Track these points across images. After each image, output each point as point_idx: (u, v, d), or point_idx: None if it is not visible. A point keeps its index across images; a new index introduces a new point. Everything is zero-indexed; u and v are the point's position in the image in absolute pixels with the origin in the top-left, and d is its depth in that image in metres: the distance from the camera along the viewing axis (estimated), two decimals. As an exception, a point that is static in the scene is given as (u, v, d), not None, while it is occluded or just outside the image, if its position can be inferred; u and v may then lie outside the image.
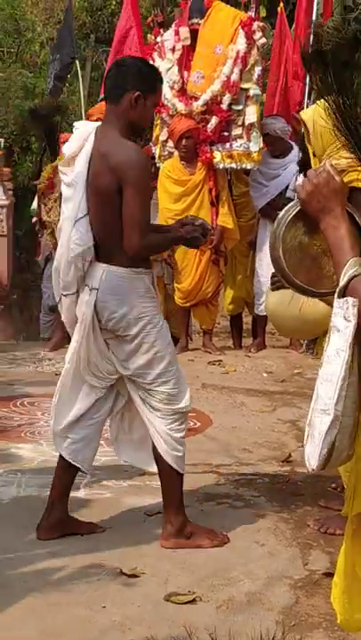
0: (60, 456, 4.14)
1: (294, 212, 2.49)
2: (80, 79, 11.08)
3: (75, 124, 4.16)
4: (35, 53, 17.34)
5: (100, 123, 4.07)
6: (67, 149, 4.03)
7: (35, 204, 9.64)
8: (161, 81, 4.17)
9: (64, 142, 8.89)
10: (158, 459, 4.07)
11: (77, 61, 10.51)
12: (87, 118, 8.39)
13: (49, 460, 5.09)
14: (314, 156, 4.39)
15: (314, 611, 3.45)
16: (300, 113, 4.52)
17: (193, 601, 3.50)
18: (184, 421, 4.10)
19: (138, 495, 4.59)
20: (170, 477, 4.07)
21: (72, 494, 4.34)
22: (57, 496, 4.13)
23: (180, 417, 4.06)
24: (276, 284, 3.80)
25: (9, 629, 3.24)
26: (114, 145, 3.90)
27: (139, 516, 4.37)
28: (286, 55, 9.11)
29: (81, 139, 3.99)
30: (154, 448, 4.06)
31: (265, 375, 7.17)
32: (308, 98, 8.33)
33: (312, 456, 2.22)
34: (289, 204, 2.55)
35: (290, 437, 5.71)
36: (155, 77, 4.08)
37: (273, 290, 3.88)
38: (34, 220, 10.22)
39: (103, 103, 8.17)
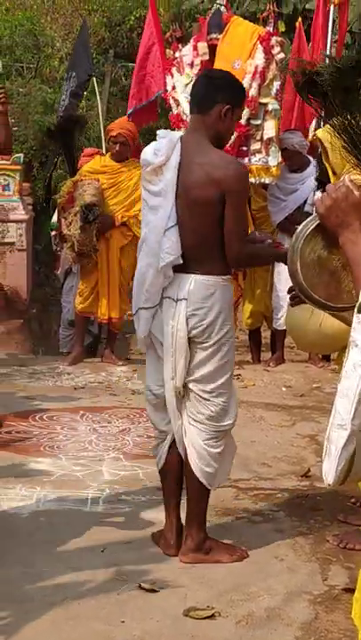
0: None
1: (313, 227, 2.49)
2: (98, 95, 11.13)
3: (158, 132, 4.12)
4: (54, 69, 17.42)
5: (181, 132, 4.14)
6: (151, 158, 3.99)
7: (54, 218, 9.69)
8: (246, 96, 4.26)
9: (86, 156, 8.93)
10: (188, 473, 4.05)
11: (95, 77, 10.57)
12: (107, 134, 8.44)
13: (68, 475, 5.12)
14: (334, 174, 4.42)
15: (333, 626, 3.44)
16: (317, 132, 4.54)
17: (212, 616, 3.50)
18: (223, 438, 4.08)
19: (157, 509, 4.59)
20: (197, 492, 4.06)
21: (91, 509, 4.36)
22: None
23: (222, 434, 4.06)
24: (295, 300, 3.81)
25: (29, 644, 3.25)
26: (214, 156, 3.96)
27: (157, 530, 4.36)
28: None
29: (169, 148, 3.97)
30: (186, 461, 4.05)
31: (284, 389, 7.16)
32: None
33: (329, 471, 2.21)
34: (308, 219, 2.55)
35: (309, 452, 5.70)
36: (243, 92, 4.20)
37: (293, 305, 3.89)
38: (53, 233, 10.25)
39: (124, 119, 8.18)
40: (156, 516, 4.44)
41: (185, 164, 3.94)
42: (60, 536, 4.27)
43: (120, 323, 8.46)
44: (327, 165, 4.43)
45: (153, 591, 3.70)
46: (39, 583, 3.75)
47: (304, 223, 2.52)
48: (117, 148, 7.95)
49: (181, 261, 3.94)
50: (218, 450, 4.04)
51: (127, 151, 8.02)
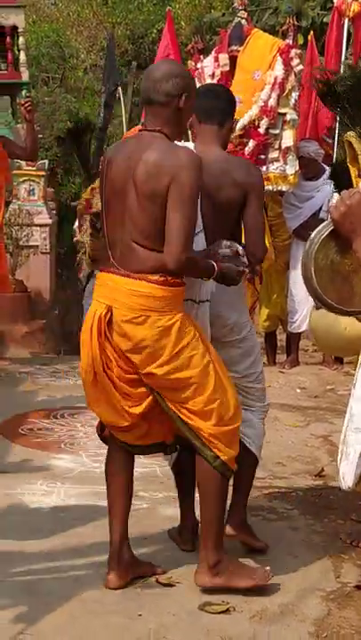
0: None
1: (327, 232, 2.57)
2: (123, 105, 11.24)
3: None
4: (78, 79, 17.65)
5: (193, 143, 4.14)
6: None
7: (76, 224, 9.81)
8: None
9: None
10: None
11: (120, 87, 10.70)
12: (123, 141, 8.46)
13: (89, 472, 5.22)
14: (359, 176, 4.50)
15: (345, 623, 3.50)
16: (347, 134, 4.61)
17: (227, 611, 3.57)
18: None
19: (173, 506, 4.66)
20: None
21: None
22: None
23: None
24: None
25: (49, 635, 3.34)
26: (234, 162, 4.09)
27: (174, 526, 4.44)
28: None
29: None
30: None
31: (298, 391, 7.24)
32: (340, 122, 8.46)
33: (348, 474, 2.27)
34: (322, 224, 2.63)
35: (322, 452, 5.77)
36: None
37: (317, 308, 3.95)
38: (74, 239, 10.38)
39: (139, 127, 8.17)
40: (173, 512, 4.52)
41: (208, 173, 3.85)
42: (80, 531, 4.37)
43: None
44: (351, 168, 4.50)
45: (169, 585, 3.78)
46: (58, 577, 3.85)
47: (318, 229, 2.60)
48: None
49: None
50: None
51: None
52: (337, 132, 9.06)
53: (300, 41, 10.55)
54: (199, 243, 3.82)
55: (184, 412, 3.66)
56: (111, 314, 3.62)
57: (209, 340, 3.83)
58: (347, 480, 2.28)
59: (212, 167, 3.87)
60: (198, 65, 8.27)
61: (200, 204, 3.70)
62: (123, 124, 11.32)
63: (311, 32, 10.25)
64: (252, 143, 7.87)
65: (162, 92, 3.64)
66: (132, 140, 3.77)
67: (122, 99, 11.17)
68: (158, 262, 3.57)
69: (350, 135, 6.91)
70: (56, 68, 17.80)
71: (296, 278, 7.95)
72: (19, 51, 11.11)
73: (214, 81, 8.08)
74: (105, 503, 3.98)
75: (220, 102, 4.15)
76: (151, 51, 17.36)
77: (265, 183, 7.94)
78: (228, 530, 4.02)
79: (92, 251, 7.98)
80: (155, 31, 17.31)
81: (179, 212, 3.50)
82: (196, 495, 4.04)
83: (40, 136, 12.47)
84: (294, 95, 7.90)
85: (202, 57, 8.30)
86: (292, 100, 7.91)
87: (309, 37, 9.99)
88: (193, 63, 8.39)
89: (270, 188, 7.97)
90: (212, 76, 8.10)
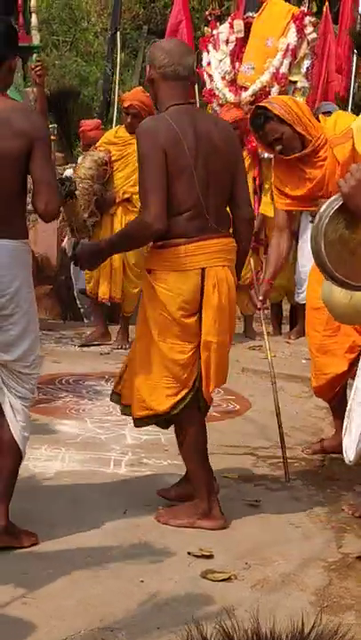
0: None
1: (337, 206, 2.56)
2: (118, 56, 11.15)
3: None
4: (89, 43, 17.55)
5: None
6: None
7: None
8: None
9: (85, 130, 8.83)
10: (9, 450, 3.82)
11: (129, 52, 10.67)
12: (121, 103, 8.31)
13: (92, 437, 5.24)
14: None
15: (346, 593, 3.53)
16: (352, 125, 4.65)
17: (228, 579, 3.60)
18: None
19: (178, 473, 4.69)
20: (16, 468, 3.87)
21: (114, 471, 4.46)
22: None
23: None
24: None
25: (50, 599, 3.36)
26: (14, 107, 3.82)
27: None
28: (329, 51, 9.17)
29: None
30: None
31: (304, 362, 7.21)
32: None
33: (349, 448, 2.30)
34: (331, 198, 2.63)
35: (326, 423, 5.78)
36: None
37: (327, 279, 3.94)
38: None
39: (139, 89, 7.99)
40: (177, 479, 4.56)
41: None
42: (84, 496, 4.39)
43: (128, 303, 7.96)
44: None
45: (173, 554, 3.81)
46: (62, 542, 3.88)
47: (328, 202, 2.59)
48: (129, 120, 7.57)
49: None
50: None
51: (139, 123, 7.66)
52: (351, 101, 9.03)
53: (314, 9, 10.50)
54: None
55: None
56: None
57: None
58: (349, 454, 2.31)
59: None
60: (214, 31, 8.22)
61: None
62: (115, 77, 11.17)
63: (326, 3, 10.15)
64: None
65: (189, 66, 4.03)
66: (191, 111, 4.09)
67: (119, 50, 11.05)
68: None
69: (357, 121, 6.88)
70: (66, 31, 17.70)
71: (303, 248, 7.93)
72: (30, 14, 11.02)
73: (229, 47, 8.05)
74: (107, 469, 3.99)
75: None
76: (162, 15, 17.23)
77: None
78: None
79: (65, 220, 7.89)
80: (166, -5, 17.20)
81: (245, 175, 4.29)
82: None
83: None
84: (306, 63, 7.87)
85: (218, 24, 8.25)
86: (304, 68, 7.87)
87: (324, 8, 9.92)
88: (209, 29, 8.35)
89: None
90: (227, 41, 8.07)
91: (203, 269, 3.98)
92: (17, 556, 3.72)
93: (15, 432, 3.77)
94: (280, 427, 4.86)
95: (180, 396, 4.05)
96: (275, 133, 4.75)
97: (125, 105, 7.66)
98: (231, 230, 4.16)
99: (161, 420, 4.19)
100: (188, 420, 4.13)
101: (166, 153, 3.90)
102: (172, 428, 4.32)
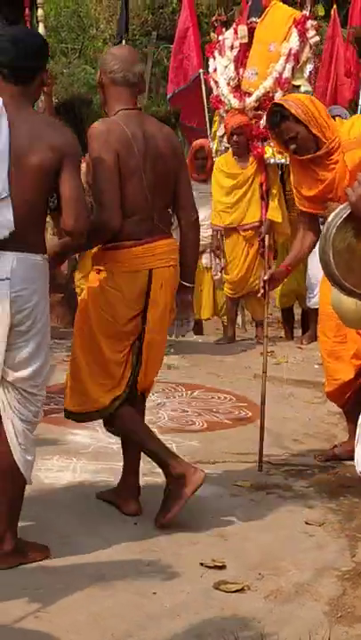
0: None
1: (345, 215, 2.55)
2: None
3: None
4: (98, 50, 17.57)
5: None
6: None
7: None
8: None
9: None
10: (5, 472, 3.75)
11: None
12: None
13: (104, 447, 5.22)
14: None
15: (360, 603, 3.50)
16: None
17: (242, 590, 3.57)
18: None
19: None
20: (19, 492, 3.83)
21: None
22: None
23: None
24: None
25: (63, 614, 3.34)
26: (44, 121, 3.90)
27: (189, 503, 4.43)
28: (337, 54, 9.16)
29: None
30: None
31: (316, 367, 7.19)
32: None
33: (361, 459, 2.27)
34: (339, 207, 2.61)
35: (340, 429, 5.75)
36: None
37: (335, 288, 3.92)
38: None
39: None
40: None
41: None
42: (96, 507, 4.38)
43: None
44: None
45: (183, 565, 3.78)
46: (75, 554, 3.86)
47: (336, 212, 2.58)
48: None
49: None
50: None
51: None
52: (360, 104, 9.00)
53: (321, 12, 10.46)
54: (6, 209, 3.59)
55: None
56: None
57: (5, 324, 3.59)
58: (360, 464, 2.28)
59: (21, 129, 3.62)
60: (220, 37, 8.22)
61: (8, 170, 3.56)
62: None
63: (334, 6, 10.13)
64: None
65: (138, 73, 4.18)
66: (139, 116, 4.20)
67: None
68: None
69: None
70: (75, 39, 17.73)
71: (313, 253, 7.90)
72: (37, 23, 11.02)
73: (233, 52, 8.04)
74: (119, 480, 3.97)
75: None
76: (171, 20, 17.29)
77: (278, 156, 7.96)
78: None
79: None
80: (175, 1, 17.22)
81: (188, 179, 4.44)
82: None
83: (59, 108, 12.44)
84: (309, 67, 7.85)
85: (224, 29, 8.26)
86: (307, 72, 7.85)
87: (332, 12, 9.90)
88: (215, 35, 8.35)
89: (284, 160, 7.95)
90: (232, 47, 8.07)
91: (150, 270, 4.12)
92: (29, 571, 3.70)
93: (17, 456, 3.71)
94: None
95: (118, 392, 4.20)
96: (290, 132, 4.73)
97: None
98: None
99: (100, 414, 4.28)
100: (126, 414, 4.26)
101: (118, 154, 4.02)
102: (183, 437, 4.31)
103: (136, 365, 4.23)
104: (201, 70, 8.64)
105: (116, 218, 4.02)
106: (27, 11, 11.02)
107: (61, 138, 3.65)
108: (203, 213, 8.54)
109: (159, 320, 4.20)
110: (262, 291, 5.17)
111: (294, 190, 5.10)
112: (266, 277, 5.03)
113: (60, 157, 3.60)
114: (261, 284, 5.14)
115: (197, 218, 4.42)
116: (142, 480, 4.61)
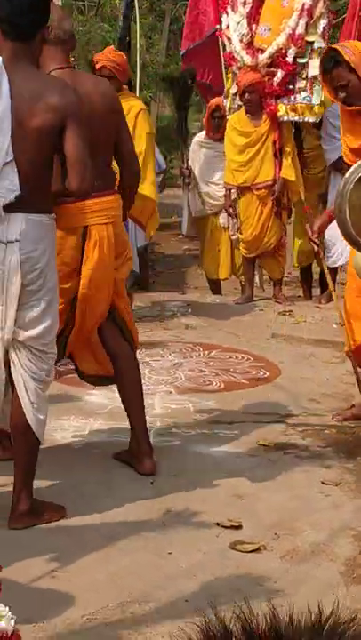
0: None
1: (362, 173, 2.51)
2: (137, 22, 11.04)
3: None
4: (115, 7, 17.37)
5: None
6: None
7: None
8: None
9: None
10: (18, 429, 3.79)
11: (156, 15, 10.57)
12: (93, 64, 7.77)
13: (121, 407, 5.19)
14: None
15: (377, 563, 3.50)
16: None
17: (257, 550, 3.58)
18: None
19: (205, 443, 4.68)
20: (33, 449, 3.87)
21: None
22: None
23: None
24: None
25: (80, 573, 3.37)
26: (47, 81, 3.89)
27: (205, 463, 4.45)
28: (360, 12, 8.98)
29: None
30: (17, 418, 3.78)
31: (335, 326, 7.15)
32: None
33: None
34: (356, 164, 2.57)
35: (358, 389, 5.71)
36: None
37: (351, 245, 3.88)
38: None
39: (109, 49, 7.55)
40: (204, 449, 4.54)
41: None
42: (112, 467, 4.39)
43: None
44: None
45: (201, 524, 3.79)
46: (92, 515, 3.87)
47: (353, 169, 2.54)
48: None
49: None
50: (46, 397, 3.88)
51: (116, 83, 6.62)
52: None
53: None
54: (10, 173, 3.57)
55: None
56: None
57: (17, 285, 3.61)
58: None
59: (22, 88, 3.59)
60: None
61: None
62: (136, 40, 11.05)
63: None
64: (280, 73, 7.70)
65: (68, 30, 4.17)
66: (72, 74, 4.11)
67: (137, 16, 10.91)
68: None
69: None
70: (92, -5, 17.56)
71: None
72: (53, -23, 10.91)
73: (246, 8, 7.90)
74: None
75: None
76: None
77: (291, 114, 7.85)
78: None
79: None
80: None
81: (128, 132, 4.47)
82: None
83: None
84: (322, 22, 7.68)
85: None
86: (320, 28, 7.69)
87: None
88: None
89: (297, 118, 7.85)
90: (244, 3, 7.92)
91: (85, 227, 4.11)
92: (45, 531, 3.72)
93: (29, 415, 3.71)
94: None
95: None
96: (341, 80, 4.64)
97: (98, 67, 7.06)
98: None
99: None
100: None
101: None
102: (200, 397, 4.29)
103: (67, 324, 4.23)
104: (218, 26, 8.48)
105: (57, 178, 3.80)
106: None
107: (63, 98, 3.61)
108: (219, 173, 8.53)
109: (93, 277, 4.16)
110: (316, 248, 5.06)
111: (342, 138, 4.98)
112: (315, 227, 4.82)
113: (62, 117, 3.58)
114: (315, 236, 4.88)
115: (139, 171, 4.46)
116: (159, 440, 4.63)
